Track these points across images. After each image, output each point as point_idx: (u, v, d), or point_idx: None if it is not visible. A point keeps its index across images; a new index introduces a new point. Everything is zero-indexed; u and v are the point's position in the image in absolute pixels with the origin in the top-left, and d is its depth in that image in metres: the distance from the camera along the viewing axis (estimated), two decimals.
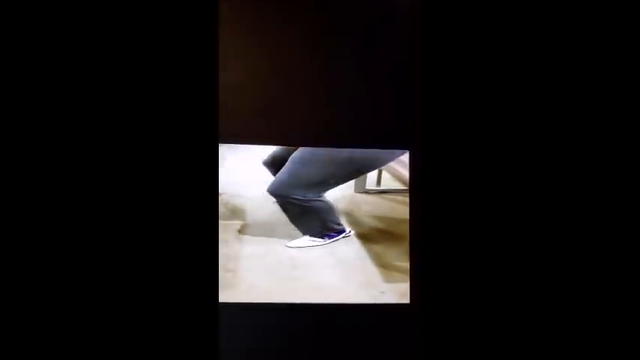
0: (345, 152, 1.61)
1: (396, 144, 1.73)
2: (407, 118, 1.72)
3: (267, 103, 1.73)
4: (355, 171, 1.69)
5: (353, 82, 1.81)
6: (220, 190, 1.59)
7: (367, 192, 1.84)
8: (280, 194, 1.64)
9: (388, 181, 1.88)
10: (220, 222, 1.64)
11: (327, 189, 1.68)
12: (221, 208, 1.66)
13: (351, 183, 1.83)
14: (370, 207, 1.85)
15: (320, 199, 1.67)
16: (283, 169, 1.64)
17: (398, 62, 1.79)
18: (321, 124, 1.74)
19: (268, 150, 1.74)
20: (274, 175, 1.68)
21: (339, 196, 1.83)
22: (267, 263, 1.62)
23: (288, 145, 1.64)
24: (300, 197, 1.63)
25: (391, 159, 1.67)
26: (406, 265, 1.33)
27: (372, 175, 1.86)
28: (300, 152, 1.62)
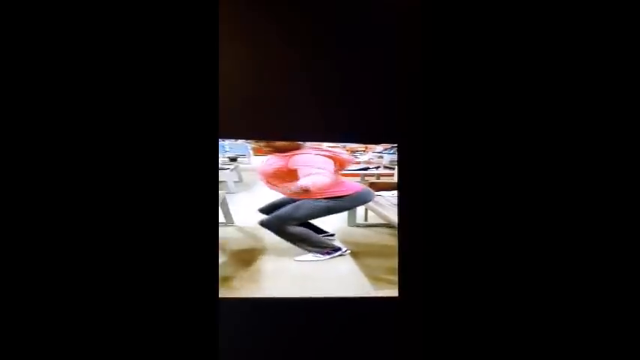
0: (323, 202, 2.30)
1: (385, 138, 2.03)
2: (395, 115, 1.97)
3: (262, 101, 2.09)
4: (327, 212, 2.36)
5: (346, 82, 2.13)
6: (242, 224, 2.18)
7: (357, 225, 2.41)
8: (270, 227, 2.30)
9: (372, 218, 2.44)
10: (247, 246, 2.21)
11: (305, 220, 2.35)
12: (245, 236, 2.24)
13: (345, 218, 2.41)
14: (361, 236, 2.41)
15: (298, 225, 2.31)
16: (279, 211, 2.30)
17: (388, 63, 2.07)
18: (319, 121, 2.10)
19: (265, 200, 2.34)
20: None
21: (336, 228, 2.40)
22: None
23: (283, 140, 2.17)
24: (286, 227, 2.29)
25: (357, 204, 2.33)
26: (391, 277, 1.80)
27: (360, 213, 2.44)
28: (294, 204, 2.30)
